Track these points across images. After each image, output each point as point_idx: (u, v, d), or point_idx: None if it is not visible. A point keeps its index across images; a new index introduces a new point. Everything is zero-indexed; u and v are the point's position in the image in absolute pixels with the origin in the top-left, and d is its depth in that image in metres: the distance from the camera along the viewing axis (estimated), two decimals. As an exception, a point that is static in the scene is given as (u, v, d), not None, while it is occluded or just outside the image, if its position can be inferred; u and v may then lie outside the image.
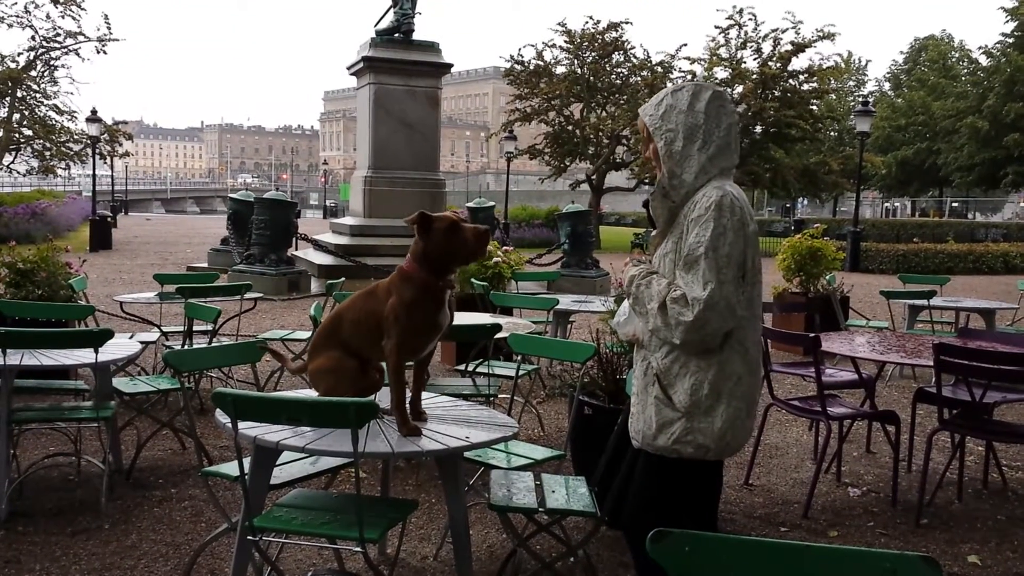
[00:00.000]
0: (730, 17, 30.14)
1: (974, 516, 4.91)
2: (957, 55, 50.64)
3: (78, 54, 25.61)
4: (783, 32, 29.32)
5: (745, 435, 2.91)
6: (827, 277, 9.92)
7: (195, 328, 6.68)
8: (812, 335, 5.15)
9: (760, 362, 2.95)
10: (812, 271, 9.81)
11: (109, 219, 28.09)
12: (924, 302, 8.53)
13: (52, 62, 25.48)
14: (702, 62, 30.78)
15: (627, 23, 31.57)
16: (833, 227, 28.64)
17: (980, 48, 43.86)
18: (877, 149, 44.68)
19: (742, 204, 2.79)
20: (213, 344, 6.08)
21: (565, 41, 31.86)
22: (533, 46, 35.40)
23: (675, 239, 2.85)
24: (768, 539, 1.75)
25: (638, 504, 3.00)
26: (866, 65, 56.60)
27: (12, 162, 26.66)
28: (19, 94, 24.62)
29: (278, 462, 3.41)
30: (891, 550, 1.83)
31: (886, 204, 61.55)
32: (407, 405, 3.19)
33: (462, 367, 6.20)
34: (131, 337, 6.41)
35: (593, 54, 31.90)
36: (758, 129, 29.83)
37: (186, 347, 6.17)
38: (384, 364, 3.39)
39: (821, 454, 5.12)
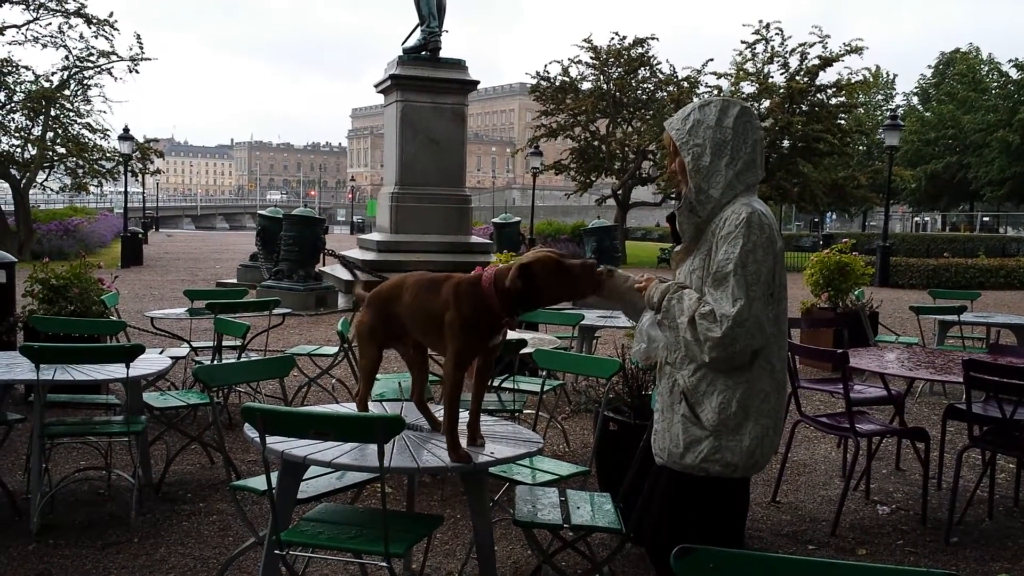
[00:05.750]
0: (756, 32, 30.12)
1: (1005, 534, 4.83)
2: (987, 68, 50.09)
3: (111, 73, 25.94)
4: (810, 47, 29.26)
5: (771, 451, 2.90)
6: (856, 292, 9.84)
7: (224, 343, 6.75)
8: (840, 351, 5.11)
9: (786, 379, 2.94)
10: (841, 286, 9.74)
11: (140, 236, 28.49)
12: (954, 318, 8.42)
13: (85, 81, 25.88)
14: (729, 77, 30.77)
15: (653, 39, 31.70)
16: (862, 242, 28.41)
17: (1010, 61, 43.44)
18: (906, 163, 44.28)
19: (770, 221, 2.79)
20: (242, 359, 6.14)
21: (591, 57, 32.00)
22: (559, 62, 35.30)
23: (703, 256, 2.84)
24: (795, 556, 1.74)
25: (662, 521, 2.99)
26: (894, 79, 56.07)
27: (45, 179, 27.07)
28: (53, 112, 25.01)
29: (305, 477, 3.44)
30: (920, 568, 1.82)
31: (915, 218, 60.90)
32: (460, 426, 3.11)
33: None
34: (161, 352, 6.48)
35: (619, 70, 31.99)
36: (786, 143, 29.72)
37: (215, 362, 6.23)
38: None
39: (850, 471, 5.08)
